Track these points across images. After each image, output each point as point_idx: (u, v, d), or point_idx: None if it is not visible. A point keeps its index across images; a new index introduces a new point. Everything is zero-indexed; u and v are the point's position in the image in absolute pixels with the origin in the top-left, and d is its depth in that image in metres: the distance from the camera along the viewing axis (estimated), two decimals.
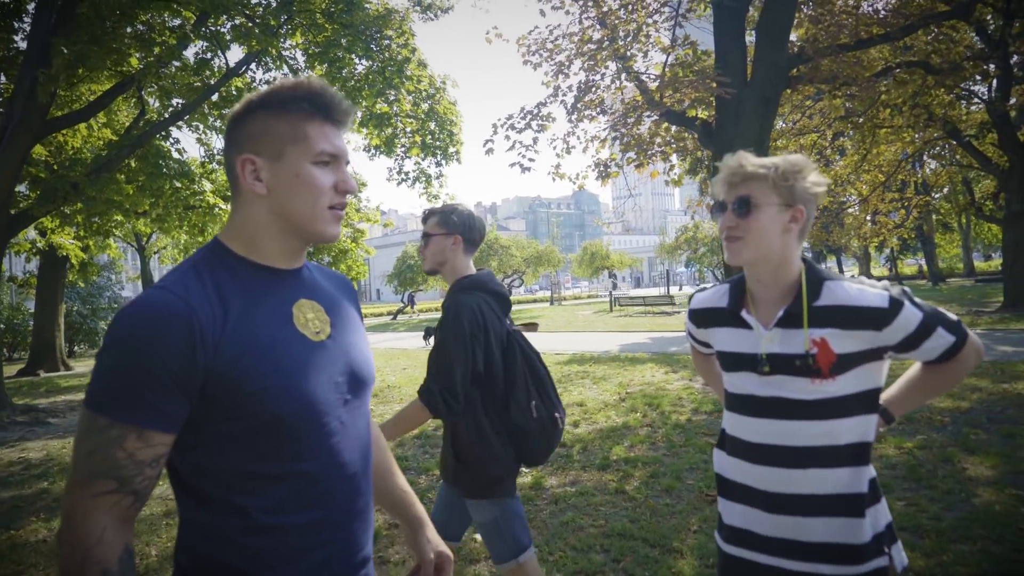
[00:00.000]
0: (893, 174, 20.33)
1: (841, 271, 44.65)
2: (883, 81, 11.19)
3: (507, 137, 11.21)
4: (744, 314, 1.58)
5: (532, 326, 18.07)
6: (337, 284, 1.37)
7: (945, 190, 26.98)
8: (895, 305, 1.44)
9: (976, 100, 17.60)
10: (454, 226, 2.46)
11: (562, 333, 20.14)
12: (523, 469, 5.38)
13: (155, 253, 29.17)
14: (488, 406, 2.37)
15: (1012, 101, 16.37)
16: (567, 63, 11.33)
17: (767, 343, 1.52)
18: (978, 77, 15.24)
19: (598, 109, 11.40)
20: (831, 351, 1.46)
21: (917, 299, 1.48)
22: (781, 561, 1.52)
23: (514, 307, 43.41)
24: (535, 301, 54.44)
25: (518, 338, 2.51)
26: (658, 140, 11.33)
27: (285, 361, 1.13)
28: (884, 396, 1.59)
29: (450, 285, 2.48)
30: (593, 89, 11.29)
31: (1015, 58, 15.68)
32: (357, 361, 1.27)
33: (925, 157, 24.64)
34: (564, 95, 11.30)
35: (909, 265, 50.56)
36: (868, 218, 22.88)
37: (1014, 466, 4.73)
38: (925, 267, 40.24)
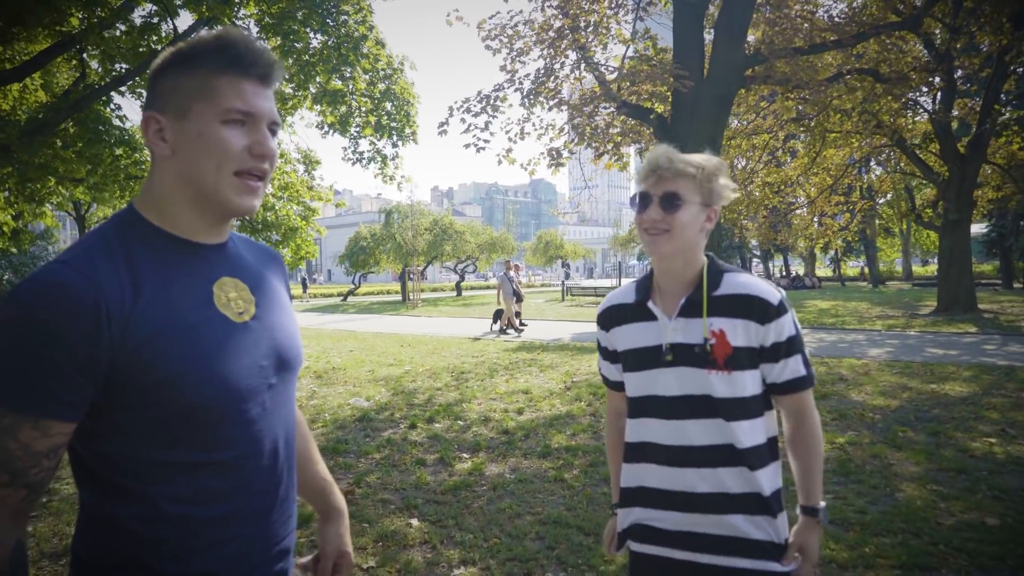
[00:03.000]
0: (840, 178, 20.92)
1: (787, 270, 45.87)
2: (834, 86, 11.45)
3: (462, 120, 11.13)
4: (650, 304, 1.60)
5: None
6: (265, 259, 1.28)
7: (888, 196, 27.88)
8: (782, 306, 1.52)
9: (921, 110, 18.19)
10: None
11: None
12: (464, 455, 5.39)
13: (96, 223, 28.14)
14: None
15: (954, 113, 16.98)
16: (526, 50, 11.29)
17: (671, 333, 1.55)
18: (924, 88, 15.76)
19: (555, 98, 11.40)
20: (728, 343, 1.50)
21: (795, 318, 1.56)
22: (700, 556, 1.54)
23: (466, 293, 43.33)
24: (487, 288, 54.44)
25: None
26: (614, 131, 11.38)
27: (203, 344, 1.05)
28: (800, 501, 1.59)
29: None
30: (551, 78, 11.27)
31: (959, 72, 16.27)
32: (283, 343, 1.19)
33: (871, 163, 25.45)
34: (521, 82, 11.26)
35: (852, 267, 52.20)
36: (815, 220, 23.50)
37: (938, 463, 4.91)
38: (867, 269, 41.60)
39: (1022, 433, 5.65)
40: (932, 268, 45.91)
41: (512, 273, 17.08)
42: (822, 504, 1.57)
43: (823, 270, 53.45)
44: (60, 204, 19.75)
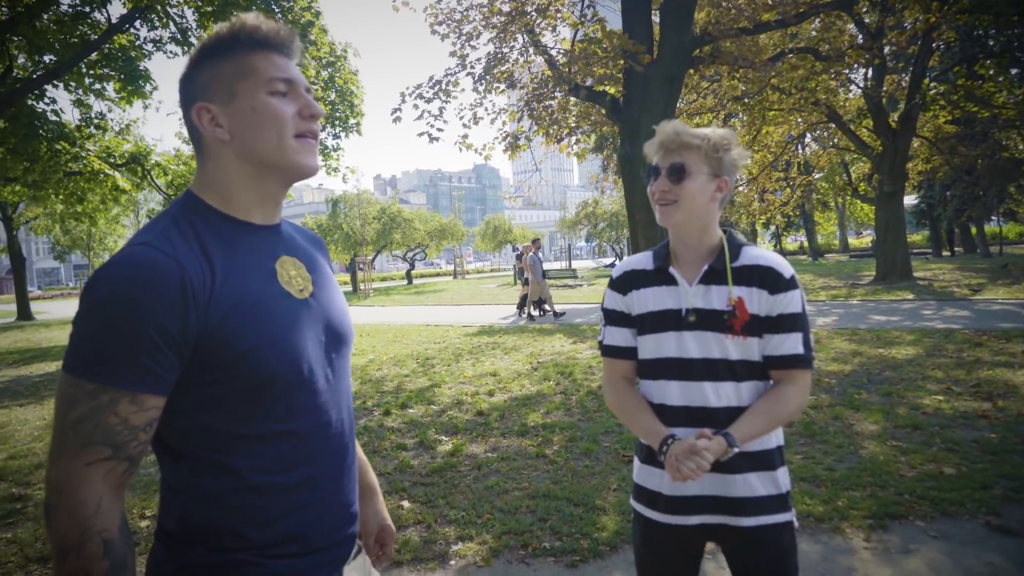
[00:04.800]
0: (780, 155, 21.56)
1: None
2: (777, 65, 11.78)
3: (415, 106, 11.04)
4: (671, 270, 1.67)
5: None
6: (311, 241, 1.34)
7: (825, 171, 28.83)
8: (792, 281, 1.60)
9: (854, 87, 18.86)
10: None
11: (469, 306, 20.20)
12: (443, 438, 5.45)
13: (24, 223, 26.85)
14: None
15: (884, 89, 17.67)
16: (475, 34, 11.26)
17: (691, 298, 1.63)
18: (857, 65, 16.35)
19: (507, 82, 11.42)
20: (746, 311, 1.59)
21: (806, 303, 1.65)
22: (704, 518, 1.63)
23: (417, 281, 43.06)
24: (437, 275, 54.20)
25: None
26: (567, 115, 11.48)
27: (273, 319, 1.10)
28: (731, 426, 1.57)
29: None
30: (502, 62, 11.28)
31: (887, 49, 16.91)
32: (338, 318, 1.25)
33: (808, 139, 26.28)
34: (472, 66, 11.23)
35: (791, 242, 53.88)
36: (756, 196, 24.15)
37: (893, 421, 5.21)
38: (806, 243, 43.00)
39: (966, 390, 6.03)
40: (866, 240, 47.78)
41: (540, 254, 15.44)
42: (738, 447, 1.52)
43: (765, 245, 55.02)
44: None
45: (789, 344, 1.58)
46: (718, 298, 1.60)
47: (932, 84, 20.57)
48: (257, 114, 1.10)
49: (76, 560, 0.93)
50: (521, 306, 15.78)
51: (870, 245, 35.54)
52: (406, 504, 4.09)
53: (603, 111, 10.84)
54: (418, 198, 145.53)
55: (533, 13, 10.85)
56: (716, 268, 1.62)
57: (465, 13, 11.30)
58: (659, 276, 1.68)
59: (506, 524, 3.68)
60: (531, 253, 15.41)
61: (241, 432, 1.08)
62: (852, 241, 50.52)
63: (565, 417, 5.94)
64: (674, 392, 1.63)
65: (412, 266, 42.62)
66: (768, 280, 1.58)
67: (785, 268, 1.59)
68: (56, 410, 0.99)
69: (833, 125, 19.51)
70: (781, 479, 1.64)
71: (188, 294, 1.00)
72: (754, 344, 1.59)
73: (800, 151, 27.11)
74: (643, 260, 1.75)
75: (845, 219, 44.78)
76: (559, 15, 11.27)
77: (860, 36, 15.70)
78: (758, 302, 1.58)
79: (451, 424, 5.92)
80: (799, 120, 19.41)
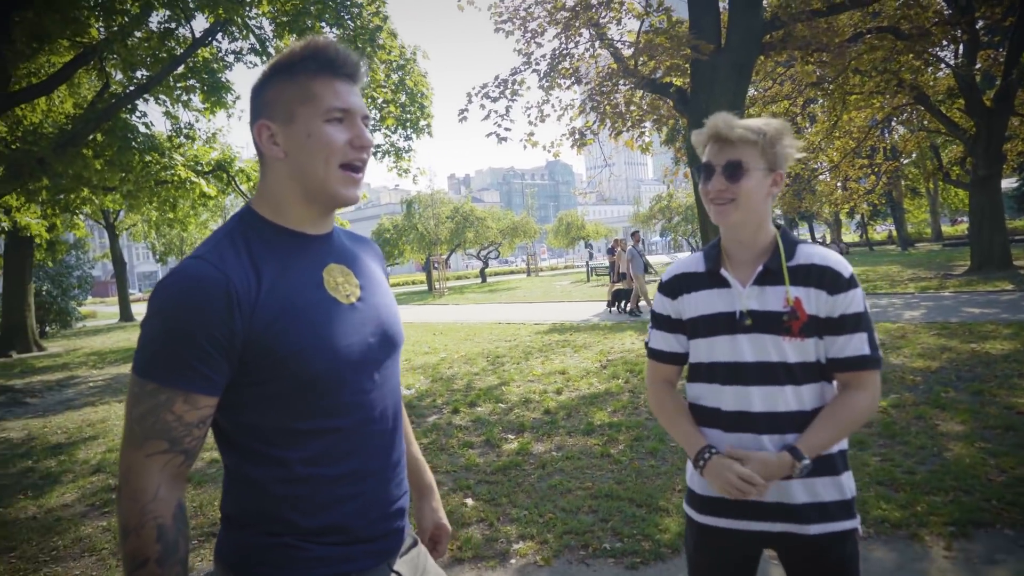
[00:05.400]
0: (863, 140, 20.57)
1: (813, 239, 45.25)
2: (854, 47, 11.26)
3: (482, 106, 11.14)
4: (723, 272, 1.61)
5: None
6: (365, 248, 1.41)
7: (913, 156, 27.33)
8: (852, 280, 1.54)
9: (943, 66, 17.78)
10: None
11: (541, 303, 20.23)
12: (509, 436, 5.49)
13: (125, 231, 28.60)
14: None
15: (978, 66, 16.57)
16: (540, 31, 11.25)
17: (746, 300, 1.57)
18: (945, 42, 15.40)
19: (572, 77, 11.36)
20: (804, 311, 1.52)
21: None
22: (764, 525, 1.57)
23: (491, 279, 43.42)
24: (511, 272, 54.49)
25: None
26: (633, 108, 11.32)
27: (319, 324, 1.17)
28: (799, 439, 1.53)
29: None
30: (567, 57, 11.23)
31: (980, 23, 15.85)
32: (387, 322, 1.31)
33: (894, 123, 24.95)
34: (537, 63, 11.22)
35: (879, 232, 51.37)
36: (839, 184, 23.12)
37: (983, 421, 4.90)
38: (895, 232, 40.93)
39: None
40: (962, 227, 45.01)
41: (640, 246, 14.85)
42: (807, 460, 1.48)
43: (850, 236, 52.60)
44: (93, 213, 20.18)
45: (854, 345, 1.53)
46: (774, 299, 1.54)
47: None
48: (311, 139, 1.18)
49: (135, 541, 1.04)
50: (613, 303, 15.42)
51: (966, 233, 33.52)
52: (470, 502, 4.15)
53: (671, 103, 10.64)
54: (491, 196, 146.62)
55: (598, 6, 10.74)
56: (771, 268, 1.56)
57: (529, 10, 11.29)
58: (711, 279, 1.63)
59: (567, 524, 3.68)
60: (631, 247, 14.96)
61: (289, 427, 1.16)
62: (946, 229, 47.63)
63: (632, 416, 5.88)
64: (729, 397, 1.58)
65: (486, 264, 42.97)
66: (826, 280, 1.52)
67: (844, 267, 1.54)
68: (126, 406, 1.11)
69: (921, 107, 18.46)
70: (846, 484, 1.57)
71: (233, 301, 1.09)
72: (811, 345, 1.53)
73: (886, 136, 25.78)
74: (694, 262, 1.70)
75: (937, 206, 42.28)
76: (624, 6, 11.12)
77: (947, 10, 14.75)
78: (816, 303, 1.52)
79: (518, 422, 5.96)
80: (883, 103, 18.43)
